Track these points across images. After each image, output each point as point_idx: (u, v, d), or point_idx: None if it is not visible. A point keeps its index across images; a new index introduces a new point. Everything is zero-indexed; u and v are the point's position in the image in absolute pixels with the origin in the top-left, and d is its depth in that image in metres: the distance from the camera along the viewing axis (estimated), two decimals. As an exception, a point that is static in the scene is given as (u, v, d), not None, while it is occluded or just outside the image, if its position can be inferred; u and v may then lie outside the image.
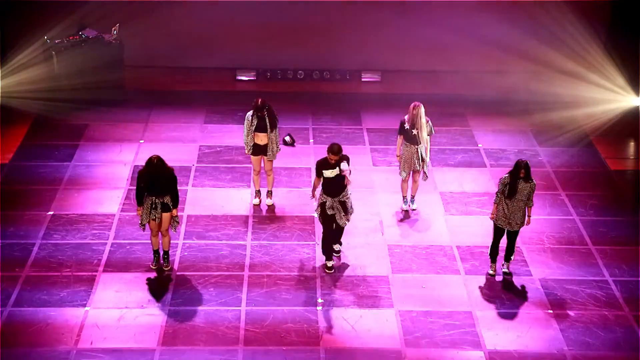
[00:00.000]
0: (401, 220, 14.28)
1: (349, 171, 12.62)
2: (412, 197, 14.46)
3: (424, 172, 14.22)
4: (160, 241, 12.84)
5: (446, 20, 18.71)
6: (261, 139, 14.02)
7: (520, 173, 12.42)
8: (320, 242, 13.30)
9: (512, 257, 12.93)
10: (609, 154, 16.44)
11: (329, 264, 13.01)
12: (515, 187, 12.44)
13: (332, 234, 12.90)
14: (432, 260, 13.28)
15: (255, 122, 13.95)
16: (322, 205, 12.79)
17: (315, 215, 13.12)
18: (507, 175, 12.58)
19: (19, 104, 17.15)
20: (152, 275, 12.77)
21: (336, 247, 13.09)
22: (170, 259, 12.94)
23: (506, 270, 12.95)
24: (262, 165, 14.31)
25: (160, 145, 15.92)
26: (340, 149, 12.55)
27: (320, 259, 13.19)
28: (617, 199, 15.04)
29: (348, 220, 12.94)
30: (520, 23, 18.58)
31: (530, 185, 12.50)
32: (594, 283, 12.84)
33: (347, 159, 12.69)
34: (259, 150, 14.12)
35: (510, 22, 18.56)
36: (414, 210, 14.45)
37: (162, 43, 18.82)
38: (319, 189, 12.86)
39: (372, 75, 19.12)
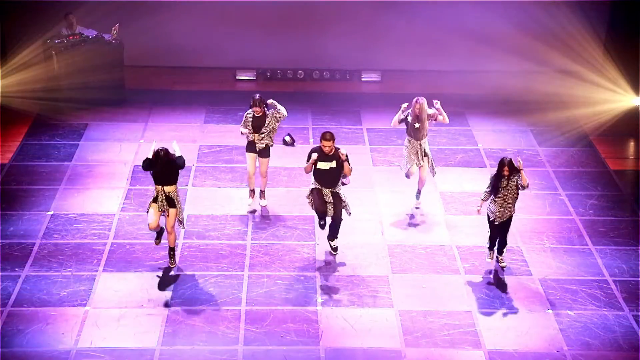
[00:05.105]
0: (401, 220, 14.28)
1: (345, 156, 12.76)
2: (419, 191, 14.44)
3: (432, 167, 14.15)
4: (167, 236, 12.85)
5: (446, 20, 18.73)
6: (257, 139, 13.92)
7: (503, 171, 12.41)
8: (319, 242, 13.38)
9: (504, 250, 12.93)
10: (609, 154, 16.44)
11: (333, 244, 13.18)
12: (498, 185, 12.45)
13: (325, 220, 12.97)
14: (432, 260, 13.28)
15: (251, 120, 13.85)
16: (315, 191, 12.83)
17: (308, 201, 13.15)
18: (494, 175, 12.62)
19: (19, 104, 17.14)
20: (152, 275, 12.77)
21: (333, 244, 13.13)
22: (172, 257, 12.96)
23: (503, 264, 12.96)
24: (258, 166, 14.25)
25: (160, 145, 15.90)
26: (332, 136, 12.59)
27: (320, 259, 13.20)
28: (617, 199, 15.04)
29: (349, 213, 12.99)
30: (520, 23, 18.58)
31: (517, 178, 12.48)
32: (594, 283, 12.84)
33: (338, 155, 12.72)
34: (253, 148, 14.04)
35: (510, 21, 18.57)
36: (417, 208, 14.41)
37: (162, 43, 18.82)
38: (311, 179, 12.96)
39: (372, 75, 19.13)
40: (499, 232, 12.84)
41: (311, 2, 18.76)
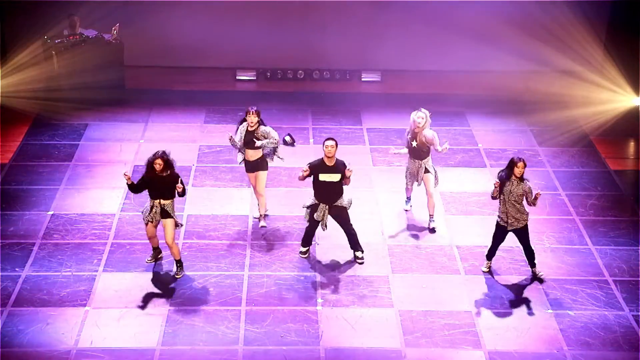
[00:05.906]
0: (401, 221, 14.28)
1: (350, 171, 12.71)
2: (431, 215, 13.97)
3: (436, 180, 13.96)
4: (164, 246, 12.83)
5: (446, 19, 18.73)
6: (250, 155, 13.61)
7: (516, 166, 12.21)
8: (319, 242, 13.37)
9: (535, 261, 12.76)
10: (609, 154, 16.44)
11: (304, 249, 13.17)
12: (504, 184, 12.38)
13: (315, 230, 13.06)
14: (432, 260, 13.28)
15: (243, 135, 13.51)
16: (312, 207, 12.84)
17: (304, 214, 13.13)
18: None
19: (19, 104, 17.15)
20: (152, 275, 12.77)
21: (358, 254, 13.12)
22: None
23: (540, 273, 12.75)
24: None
25: (160, 145, 15.88)
26: (335, 141, 12.59)
27: (320, 258, 13.20)
28: (617, 199, 15.04)
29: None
30: (521, 23, 18.59)
31: (523, 187, 12.37)
32: (594, 283, 12.84)
33: (342, 168, 12.69)
34: (250, 166, 13.73)
35: (511, 21, 18.57)
36: (432, 229, 13.93)
37: (162, 43, 18.83)
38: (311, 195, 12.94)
39: (372, 75, 19.13)
40: (521, 240, 12.61)
41: (311, 2, 18.77)
